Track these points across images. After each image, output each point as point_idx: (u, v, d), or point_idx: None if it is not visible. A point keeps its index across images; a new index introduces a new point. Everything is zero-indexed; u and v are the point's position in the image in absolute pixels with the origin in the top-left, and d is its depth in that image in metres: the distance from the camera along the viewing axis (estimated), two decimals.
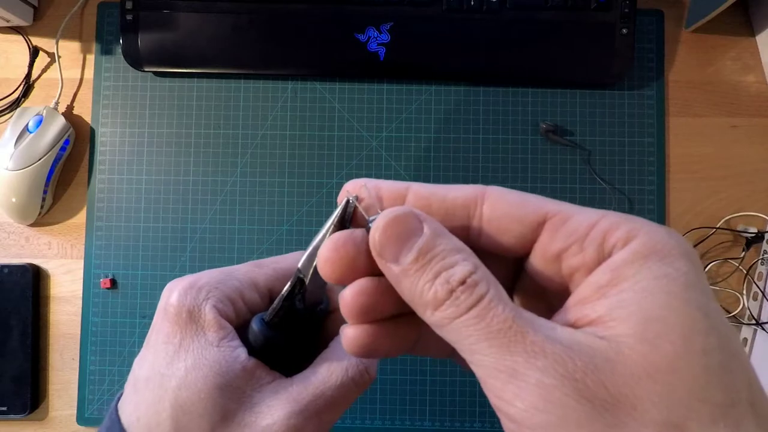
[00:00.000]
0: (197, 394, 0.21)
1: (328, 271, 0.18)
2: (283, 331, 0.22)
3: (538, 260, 0.18)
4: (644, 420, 0.13)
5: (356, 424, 0.49)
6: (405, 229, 0.17)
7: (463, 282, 0.16)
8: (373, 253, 0.17)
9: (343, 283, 0.18)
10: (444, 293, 0.16)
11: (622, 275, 0.15)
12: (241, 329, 0.23)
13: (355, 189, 0.19)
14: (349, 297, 0.18)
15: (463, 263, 0.16)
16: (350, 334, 0.18)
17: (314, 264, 0.20)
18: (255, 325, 0.22)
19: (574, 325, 0.16)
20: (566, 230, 0.17)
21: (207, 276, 0.23)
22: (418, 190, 0.19)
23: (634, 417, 0.13)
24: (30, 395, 0.49)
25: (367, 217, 0.18)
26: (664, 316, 0.14)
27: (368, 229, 0.18)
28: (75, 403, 0.50)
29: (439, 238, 0.17)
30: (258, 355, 0.22)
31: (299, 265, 0.21)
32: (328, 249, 0.18)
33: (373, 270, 0.18)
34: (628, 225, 0.16)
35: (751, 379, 0.14)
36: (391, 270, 0.17)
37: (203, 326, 0.22)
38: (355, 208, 0.19)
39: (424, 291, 0.16)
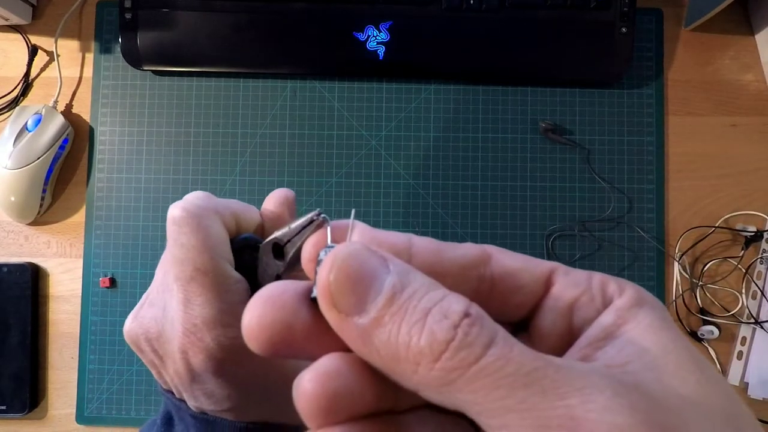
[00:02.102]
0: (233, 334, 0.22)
1: (254, 344, 0.13)
2: (289, 257, 0.22)
3: (547, 315, 0.16)
4: None
5: None
6: (366, 268, 0.13)
7: (467, 314, 0.12)
8: (323, 305, 0.13)
9: (284, 357, 0.13)
10: (445, 332, 0.11)
11: (625, 316, 0.14)
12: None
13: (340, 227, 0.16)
14: (308, 386, 0.12)
15: (453, 296, 0.12)
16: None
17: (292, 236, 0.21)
18: (264, 250, 0.23)
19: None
20: (572, 281, 0.16)
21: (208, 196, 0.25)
22: (423, 244, 0.15)
23: None
24: (29, 394, 0.49)
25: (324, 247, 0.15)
26: (672, 350, 0.13)
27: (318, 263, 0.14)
28: (74, 402, 0.50)
29: (411, 273, 0.13)
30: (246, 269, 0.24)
31: (279, 234, 0.21)
32: (255, 307, 0.13)
33: (327, 341, 0.13)
34: (615, 281, 0.15)
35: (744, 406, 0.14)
36: (353, 326, 0.12)
37: (229, 275, 0.23)
38: (323, 227, 0.16)
39: (412, 339, 0.12)
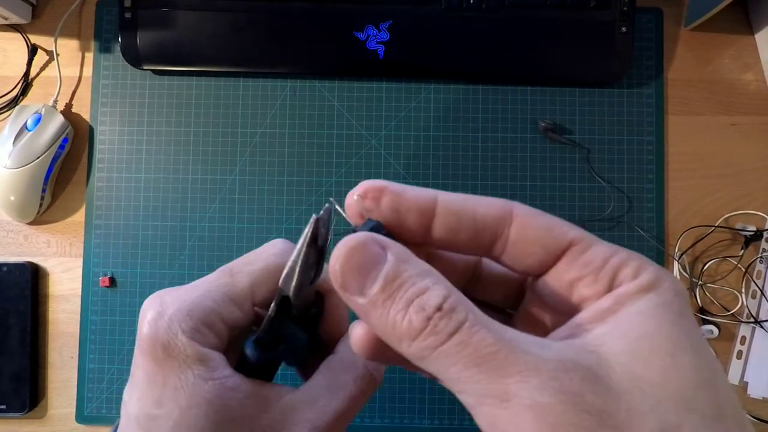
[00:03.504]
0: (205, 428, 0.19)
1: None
2: (278, 345, 0.21)
3: (551, 284, 0.18)
4: (641, 430, 0.13)
5: (355, 423, 0.49)
6: (367, 257, 0.16)
7: (439, 308, 0.15)
8: (336, 287, 0.16)
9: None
10: (420, 321, 0.15)
11: (622, 302, 0.16)
12: (231, 347, 0.22)
13: (368, 191, 0.18)
14: (360, 333, 0.18)
15: (436, 288, 0.15)
16: (359, 334, 0.18)
17: (295, 278, 0.20)
18: (248, 351, 0.21)
19: (566, 339, 0.16)
20: (584, 260, 0.17)
21: (175, 302, 0.21)
22: (448, 202, 0.17)
23: (631, 427, 0.13)
24: (29, 393, 0.49)
25: (354, 226, 0.17)
26: (653, 335, 0.15)
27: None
28: (74, 402, 0.50)
29: (404, 263, 0.16)
30: (257, 374, 0.21)
31: (280, 283, 0.20)
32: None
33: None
34: (637, 262, 0.16)
35: (735, 399, 0.15)
36: (357, 303, 0.16)
37: (186, 361, 0.20)
38: (324, 222, 0.18)
39: (397, 322, 0.15)
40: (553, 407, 0.13)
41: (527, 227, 0.17)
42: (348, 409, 0.22)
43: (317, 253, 0.19)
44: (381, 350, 0.17)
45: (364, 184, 0.18)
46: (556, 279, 0.17)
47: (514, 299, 0.21)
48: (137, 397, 0.20)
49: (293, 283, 0.20)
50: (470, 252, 0.18)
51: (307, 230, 0.19)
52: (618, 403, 0.14)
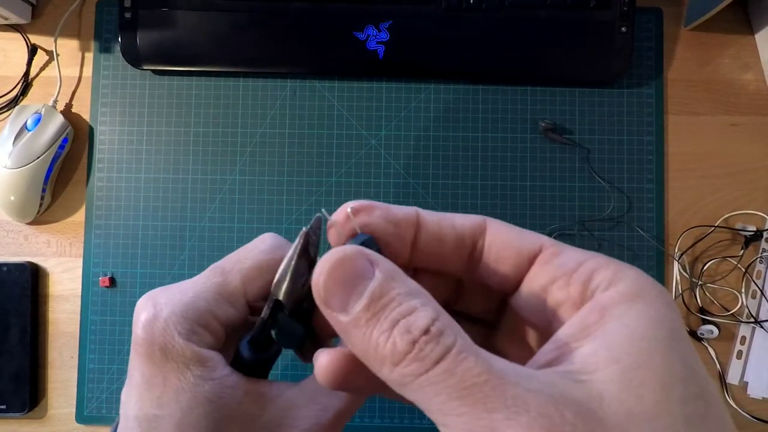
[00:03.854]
0: (207, 430, 0.20)
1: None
2: (271, 345, 0.22)
3: (525, 293, 0.17)
4: None
5: (355, 422, 0.49)
6: (353, 271, 0.15)
7: (426, 331, 0.14)
8: (317, 301, 0.15)
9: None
10: (405, 345, 0.14)
11: (609, 315, 0.15)
12: (227, 344, 0.22)
13: (359, 206, 0.18)
14: (325, 364, 0.17)
15: (424, 309, 0.14)
16: (324, 364, 0.17)
17: (285, 285, 0.20)
18: (243, 351, 0.21)
19: (554, 364, 0.15)
20: (556, 263, 0.16)
21: (168, 303, 0.21)
22: (427, 214, 0.18)
23: None
24: (29, 393, 0.49)
25: (345, 238, 0.17)
26: (646, 364, 0.14)
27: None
28: (74, 402, 0.50)
29: (393, 281, 0.15)
30: (253, 372, 0.21)
31: (272, 289, 0.20)
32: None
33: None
34: (614, 267, 0.16)
35: (726, 428, 0.14)
36: (338, 321, 0.15)
37: (185, 363, 0.20)
38: (327, 228, 0.18)
39: (380, 344, 0.14)
40: None
41: (500, 233, 0.18)
42: (348, 407, 0.22)
43: (308, 262, 0.20)
44: (349, 380, 0.17)
45: (352, 203, 0.18)
46: (531, 287, 0.17)
47: (496, 312, 0.20)
48: (136, 398, 0.20)
49: (284, 290, 0.20)
50: (452, 266, 0.18)
51: (297, 243, 0.19)
52: None
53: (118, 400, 0.49)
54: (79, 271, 0.51)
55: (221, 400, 0.20)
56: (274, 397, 0.21)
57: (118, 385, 0.50)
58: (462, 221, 0.18)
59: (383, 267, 0.15)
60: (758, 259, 0.49)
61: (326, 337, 0.23)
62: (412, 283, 0.15)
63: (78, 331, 0.50)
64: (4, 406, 0.49)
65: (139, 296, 0.24)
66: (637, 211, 0.50)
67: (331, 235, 0.18)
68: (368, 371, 0.15)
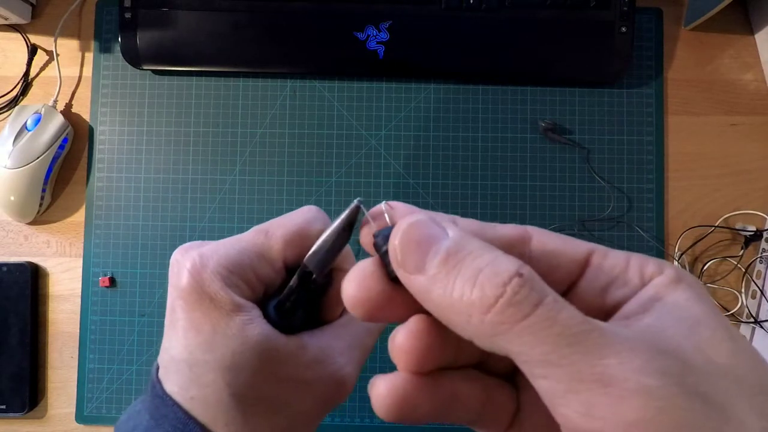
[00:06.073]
0: (257, 372, 0.22)
1: (360, 314, 0.16)
2: (297, 311, 0.23)
3: (582, 295, 0.17)
4: (744, 413, 0.12)
5: (355, 422, 0.49)
6: (427, 233, 0.15)
7: (516, 275, 0.13)
8: (394, 264, 0.15)
9: (379, 321, 0.16)
10: (495, 288, 0.13)
11: (663, 292, 0.15)
12: (263, 300, 0.24)
13: (392, 204, 0.18)
14: (402, 340, 0.16)
15: (506, 257, 0.14)
16: (382, 392, 0.16)
17: (321, 257, 0.21)
18: (272, 313, 0.23)
19: None
20: (609, 264, 0.16)
21: (215, 254, 0.23)
22: (467, 224, 0.17)
23: (735, 410, 0.12)
24: (29, 393, 0.49)
25: (375, 229, 0.17)
26: (707, 322, 0.14)
27: (375, 245, 0.17)
28: (74, 402, 0.50)
29: (467, 237, 0.15)
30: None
31: (306, 260, 0.22)
32: (352, 287, 0.16)
33: (406, 305, 0.16)
34: (654, 260, 0.16)
35: None
36: (416, 282, 0.15)
37: (231, 309, 0.22)
38: (359, 213, 0.18)
39: (465, 292, 0.13)
40: (661, 390, 0.12)
41: (546, 242, 0.17)
42: (372, 342, 0.25)
43: (346, 237, 0.21)
44: (408, 410, 0.16)
45: (383, 205, 0.18)
46: (589, 288, 0.17)
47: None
48: (184, 344, 0.22)
49: (318, 262, 0.21)
50: None
51: (346, 214, 0.20)
52: (713, 385, 0.13)
53: (118, 400, 0.49)
54: (79, 271, 0.51)
55: (268, 343, 0.22)
56: (310, 338, 0.23)
57: (117, 385, 0.50)
58: (504, 230, 0.17)
59: (455, 229, 0.15)
60: (758, 259, 0.49)
61: (329, 312, 0.25)
62: (486, 243, 0.15)
63: (78, 331, 0.50)
64: (4, 406, 0.49)
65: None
66: (637, 211, 0.50)
67: (364, 231, 0.18)
68: (433, 394, 0.15)
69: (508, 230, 0.17)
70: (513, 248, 0.16)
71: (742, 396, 0.13)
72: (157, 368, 0.24)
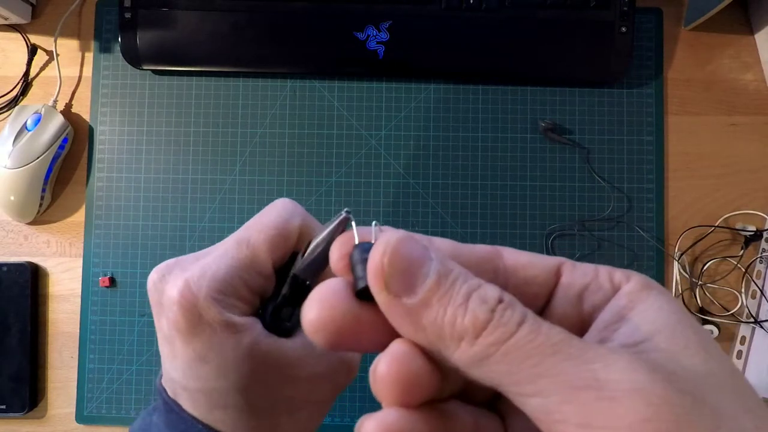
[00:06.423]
0: (273, 383, 0.22)
1: (321, 340, 0.14)
2: (292, 317, 0.24)
3: (560, 307, 0.17)
4: (735, 412, 0.12)
5: (355, 423, 0.49)
6: (415, 253, 0.14)
7: (500, 300, 0.14)
8: (375, 286, 0.14)
9: (345, 350, 0.15)
10: (485, 314, 0.13)
11: (636, 299, 0.15)
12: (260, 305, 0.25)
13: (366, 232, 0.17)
14: (385, 369, 0.14)
15: (488, 285, 0.14)
16: (375, 430, 0.15)
17: (313, 268, 0.22)
18: (268, 319, 0.24)
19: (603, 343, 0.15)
20: (580, 272, 0.17)
21: (203, 279, 0.22)
22: (442, 243, 0.17)
23: (726, 408, 0.12)
24: (29, 393, 0.49)
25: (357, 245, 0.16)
26: (680, 332, 0.14)
27: (352, 256, 0.15)
28: (74, 402, 0.50)
29: (448, 260, 0.14)
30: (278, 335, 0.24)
31: (299, 272, 0.22)
32: (313, 308, 0.14)
33: (375, 331, 0.15)
34: (622, 270, 0.16)
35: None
36: (401, 306, 0.14)
37: (233, 332, 0.22)
38: (349, 225, 0.19)
39: (458, 319, 0.13)
40: (653, 388, 0.12)
41: (517, 257, 0.17)
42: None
43: None
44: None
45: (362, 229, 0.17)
46: (564, 297, 0.17)
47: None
48: (192, 375, 0.22)
49: (311, 273, 0.22)
50: None
51: (335, 225, 0.20)
52: (699, 386, 0.13)
53: (118, 400, 0.49)
54: (79, 271, 0.51)
55: (277, 352, 0.22)
56: (298, 343, 0.23)
57: (117, 385, 0.50)
58: (475, 248, 0.17)
59: (436, 251, 0.14)
60: (758, 259, 0.49)
61: None
62: (462, 267, 0.15)
63: (78, 331, 0.50)
64: (3, 406, 0.49)
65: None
66: (637, 211, 0.50)
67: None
68: (428, 429, 0.14)
69: (481, 249, 0.17)
70: (488, 263, 0.17)
71: (728, 397, 0.13)
72: (160, 377, 0.24)
